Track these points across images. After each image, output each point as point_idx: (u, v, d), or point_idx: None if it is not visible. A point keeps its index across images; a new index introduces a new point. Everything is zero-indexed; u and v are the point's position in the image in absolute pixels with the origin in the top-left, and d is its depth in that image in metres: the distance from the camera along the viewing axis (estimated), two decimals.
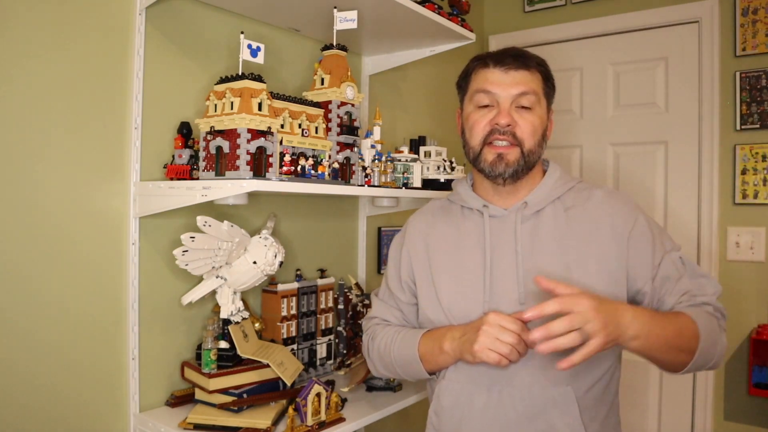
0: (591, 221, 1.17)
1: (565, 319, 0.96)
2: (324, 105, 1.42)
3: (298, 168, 1.29)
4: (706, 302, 1.14)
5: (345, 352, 1.75)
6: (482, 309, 1.16)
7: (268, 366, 1.39)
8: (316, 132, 1.38)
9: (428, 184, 1.72)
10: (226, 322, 1.41)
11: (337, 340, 1.78)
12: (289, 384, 1.40)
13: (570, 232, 1.17)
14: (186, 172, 1.32)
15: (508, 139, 1.17)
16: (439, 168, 1.75)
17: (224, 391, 1.34)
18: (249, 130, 1.18)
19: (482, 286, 1.17)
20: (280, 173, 1.26)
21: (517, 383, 1.13)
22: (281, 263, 1.43)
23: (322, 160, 1.36)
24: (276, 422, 1.33)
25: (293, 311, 1.64)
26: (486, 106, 1.20)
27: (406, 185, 1.65)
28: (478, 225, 1.23)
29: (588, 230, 1.17)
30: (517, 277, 1.15)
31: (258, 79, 1.23)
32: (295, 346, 1.65)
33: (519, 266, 1.16)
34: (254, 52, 1.23)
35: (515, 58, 1.18)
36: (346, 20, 1.38)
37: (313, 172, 1.32)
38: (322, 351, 1.73)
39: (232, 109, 1.21)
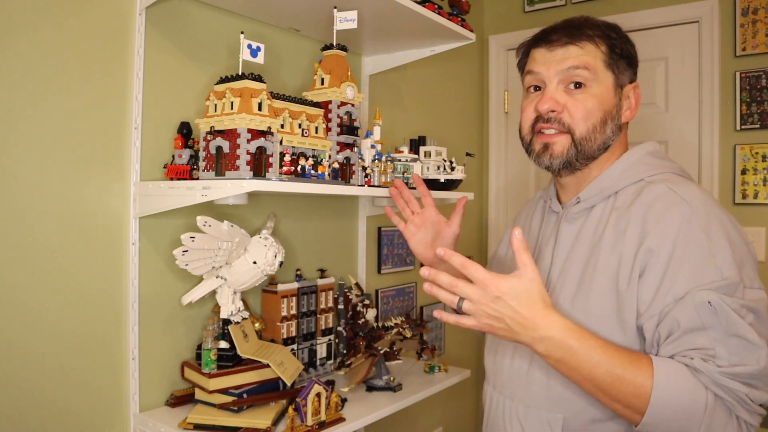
0: (624, 227, 0.98)
1: (454, 280, 0.89)
2: (324, 105, 1.42)
3: (298, 168, 1.29)
4: (708, 372, 0.84)
5: (345, 352, 1.75)
6: None
7: (268, 366, 1.39)
8: (316, 132, 1.38)
9: (428, 184, 1.72)
10: (226, 322, 1.41)
11: (337, 340, 1.78)
12: (289, 384, 1.40)
13: (602, 239, 1.00)
14: (186, 172, 1.32)
15: (555, 126, 1.04)
16: (439, 168, 1.75)
17: (224, 391, 1.34)
18: (249, 130, 1.18)
19: None
20: (280, 173, 1.26)
21: (519, 396, 1.09)
22: (281, 263, 1.43)
23: (322, 160, 1.36)
24: (276, 422, 1.33)
25: (293, 311, 1.64)
26: (537, 90, 1.08)
27: (406, 185, 1.65)
28: (541, 220, 1.19)
29: (617, 238, 0.98)
30: (546, 285, 1.05)
31: (258, 79, 1.23)
32: (295, 346, 1.64)
33: (551, 273, 1.07)
34: (254, 52, 1.23)
35: (563, 33, 1.05)
36: (346, 20, 1.37)
37: (313, 172, 1.32)
38: (322, 351, 1.73)
39: (232, 109, 1.21)
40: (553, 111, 1.04)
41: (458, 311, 0.92)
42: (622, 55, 1.06)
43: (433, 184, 1.73)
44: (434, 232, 1.33)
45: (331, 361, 1.76)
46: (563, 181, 1.12)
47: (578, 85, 1.03)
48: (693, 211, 0.93)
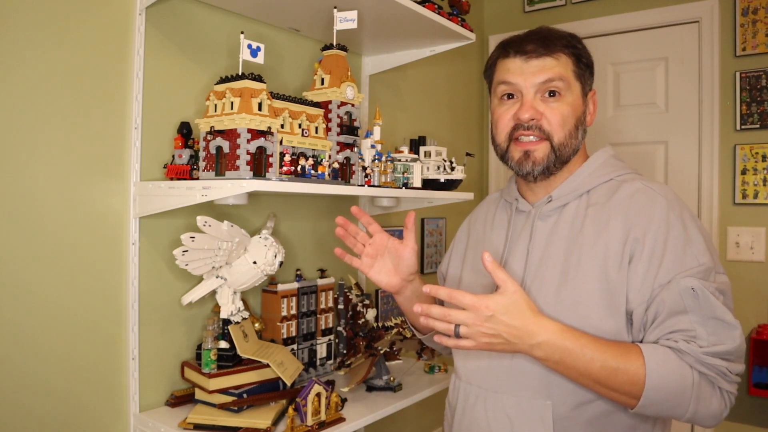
0: (606, 220, 1.05)
1: (446, 310, 0.95)
2: (324, 105, 1.42)
3: (298, 168, 1.29)
4: (692, 352, 0.94)
5: (345, 352, 1.75)
6: None
7: (268, 366, 1.39)
8: (316, 132, 1.38)
9: (428, 184, 1.72)
10: (226, 322, 1.41)
11: (337, 340, 1.78)
12: (289, 384, 1.40)
13: (583, 232, 1.06)
14: (186, 172, 1.32)
15: (535, 133, 1.09)
16: (439, 168, 1.75)
17: (224, 391, 1.34)
18: (249, 130, 1.18)
19: (493, 285, 1.13)
20: (280, 173, 1.26)
21: (504, 388, 1.08)
22: (281, 263, 1.43)
23: (322, 160, 1.36)
24: (276, 422, 1.34)
25: (293, 311, 1.64)
26: (510, 99, 1.12)
27: (406, 185, 1.65)
28: (508, 219, 1.21)
29: (599, 231, 1.04)
30: (523, 279, 1.10)
31: (258, 79, 1.23)
32: (295, 346, 1.65)
33: (527, 267, 1.10)
34: (254, 52, 1.23)
35: (538, 44, 1.09)
36: (346, 20, 1.38)
37: (313, 172, 1.32)
38: (322, 351, 1.73)
39: (232, 109, 1.21)
40: (533, 119, 1.09)
41: (456, 337, 0.97)
42: (587, 65, 1.15)
43: (433, 184, 1.73)
44: (393, 257, 1.25)
45: (331, 361, 1.76)
46: (535, 184, 1.16)
47: (553, 93, 1.09)
48: (669, 204, 1.03)
